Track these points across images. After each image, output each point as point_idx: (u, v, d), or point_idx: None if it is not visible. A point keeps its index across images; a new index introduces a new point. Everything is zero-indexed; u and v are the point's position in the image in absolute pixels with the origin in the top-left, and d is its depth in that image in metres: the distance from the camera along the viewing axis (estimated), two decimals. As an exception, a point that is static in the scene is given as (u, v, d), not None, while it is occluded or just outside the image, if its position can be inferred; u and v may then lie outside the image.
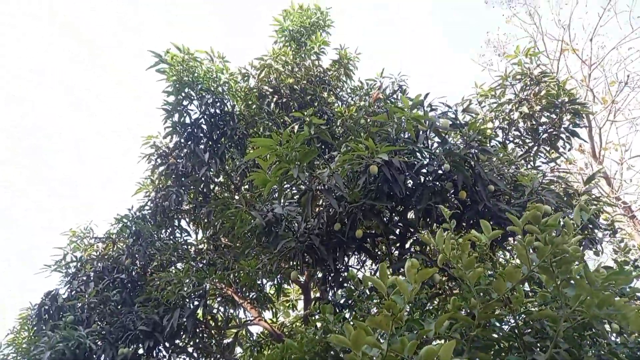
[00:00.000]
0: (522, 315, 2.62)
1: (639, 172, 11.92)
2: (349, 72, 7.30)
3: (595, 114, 11.66)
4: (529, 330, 2.66)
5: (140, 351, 4.71)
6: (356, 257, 5.30)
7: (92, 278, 5.61)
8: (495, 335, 2.43)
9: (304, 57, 6.72)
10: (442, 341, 2.24)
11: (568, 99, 5.49)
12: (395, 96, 6.60)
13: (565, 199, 4.85)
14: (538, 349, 2.51)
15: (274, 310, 6.93)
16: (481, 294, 2.35)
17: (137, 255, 5.35)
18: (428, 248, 4.49)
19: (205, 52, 5.77)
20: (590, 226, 4.73)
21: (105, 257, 5.85)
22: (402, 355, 1.91)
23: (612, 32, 12.33)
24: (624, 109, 12.33)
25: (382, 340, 1.99)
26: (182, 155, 5.82)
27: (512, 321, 2.58)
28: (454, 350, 2.62)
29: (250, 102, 6.15)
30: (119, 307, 5.15)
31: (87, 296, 5.13)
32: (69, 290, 5.61)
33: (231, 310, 6.74)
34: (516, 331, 2.57)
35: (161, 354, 5.04)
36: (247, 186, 5.79)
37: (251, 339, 6.45)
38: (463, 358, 2.32)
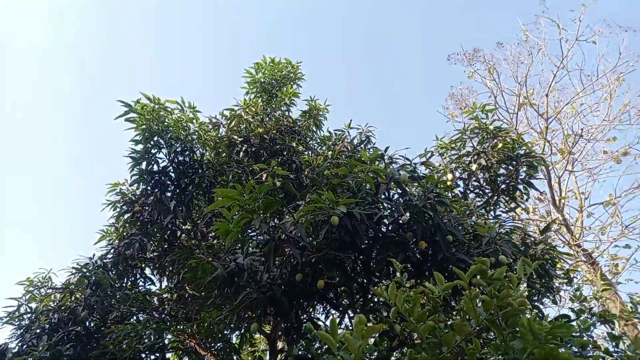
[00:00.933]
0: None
1: (598, 219, 12.42)
2: (318, 122, 7.54)
3: (554, 165, 12.25)
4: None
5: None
6: (322, 307, 5.28)
7: (46, 331, 5.35)
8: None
9: (274, 108, 6.93)
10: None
11: (523, 152, 5.80)
12: (362, 147, 6.82)
13: (522, 248, 5.03)
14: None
15: (240, 362, 6.72)
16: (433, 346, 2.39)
17: (94, 307, 5.16)
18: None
19: (175, 102, 5.88)
20: (546, 276, 4.89)
21: (62, 308, 5.61)
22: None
23: (567, 87, 13.22)
24: (581, 159, 13.03)
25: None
26: (148, 202, 5.78)
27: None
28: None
29: (220, 151, 6.24)
30: (73, 362, 4.90)
31: (39, 351, 4.87)
32: (20, 344, 5.32)
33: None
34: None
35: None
36: (213, 235, 5.75)
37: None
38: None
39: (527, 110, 12.61)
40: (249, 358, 8.20)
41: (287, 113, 6.98)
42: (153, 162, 5.72)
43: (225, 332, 5.17)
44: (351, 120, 7.02)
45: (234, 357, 6.46)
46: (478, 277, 2.38)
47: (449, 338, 2.23)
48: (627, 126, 11.94)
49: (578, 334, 3.71)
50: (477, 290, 2.23)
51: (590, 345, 3.72)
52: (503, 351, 2.51)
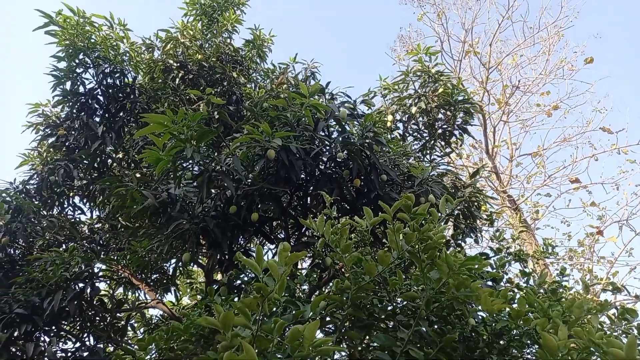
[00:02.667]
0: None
1: (525, 169, 13.29)
2: (262, 53, 7.23)
3: (490, 114, 12.75)
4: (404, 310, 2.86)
5: (17, 334, 4.35)
6: (257, 241, 5.34)
7: (-38, 257, 5.05)
8: (365, 316, 2.59)
9: (215, 34, 6.51)
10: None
11: (462, 98, 5.94)
12: (306, 83, 6.67)
13: (452, 190, 5.29)
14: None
15: (178, 292, 6.75)
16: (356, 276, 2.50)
17: (16, 233, 4.89)
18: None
19: (103, 17, 5.35)
20: (471, 217, 5.21)
21: (-20, 235, 5.27)
22: (271, 335, 1.98)
23: (510, 39, 13.51)
24: (516, 110, 13.65)
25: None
26: (74, 127, 5.39)
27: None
28: (328, 329, 2.77)
29: (154, 76, 5.85)
30: (-6, 289, 4.69)
31: (-46, 277, 4.61)
32: None
33: (129, 293, 6.46)
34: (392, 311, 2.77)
35: (43, 339, 4.70)
36: (147, 165, 5.52)
37: (149, 322, 6.25)
38: (332, 336, 2.47)
39: (471, 59, 12.84)
40: (188, 290, 8.30)
41: (228, 41, 6.60)
42: (79, 83, 5.27)
43: (158, 262, 5.12)
44: (297, 54, 6.80)
45: (171, 289, 6.49)
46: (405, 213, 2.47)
47: (371, 267, 2.32)
48: (560, 81, 12.54)
49: (494, 270, 4.01)
50: (401, 223, 2.31)
51: (504, 280, 4.07)
52: (422, 281, 2.66)
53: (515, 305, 2.54)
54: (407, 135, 6.26)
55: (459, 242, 5.40)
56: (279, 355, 2.06)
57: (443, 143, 6.48)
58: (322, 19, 25.72)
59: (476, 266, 2.46)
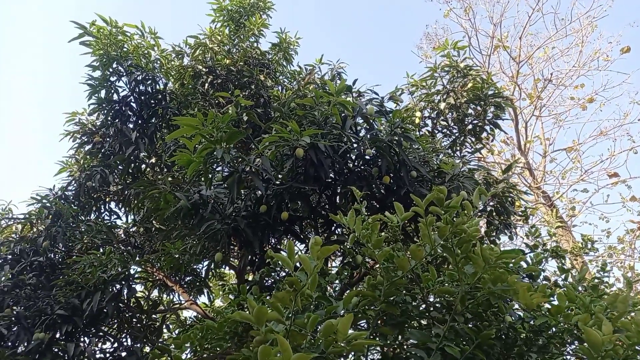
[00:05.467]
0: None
1: (559, 164, 12.88)
2: (288, 56, 7.27)
3: (522, 110, 12.42)
4: (438, 306, 2.81)
5: (58, 336, 4.51)
6: (287, 240, 5.36)
7: (7, 261, 5.28)
8: (398, 312, 2.56)
9: (242, 39, 6.61)
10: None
11: (492, 93, 5.81)
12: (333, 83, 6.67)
13: (484, 186, 5.17)
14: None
15: (211, 294, 6.87)
16: (389, 272, 2.47)
17: (56, 237, 5.08)
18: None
19: (135, 26, 5.51)
20: (505, 213, 5.08)
21: (23, 239, 5.51)
22: (305, 330, 1.98)
23: (541, 32, 13.13)
24: (549, 105, 13.25)
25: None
26: (109, 134, 5.57)
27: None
28: (361, 326, 2.74)
29: (184, 82, 5.98)
30: (36, 291, 4.89)
31: (0, 280, 4.82)
32: (-20, 274, 5.25)
33: (164, 295, 6.62)
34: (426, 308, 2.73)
35: (82, 340, 4.86)
36: (178, 168, 5.65)
37: (184, 323, 6.38)
38: (366, 331, 2.44)
39: (500, 55, 12.55)
40: (220, 292, 8.41)
41: (255, 45, 6.69)
42: (112, 91, 5.44)
43: (191, 264, 5.22)
44: (322, 55, 6.81)
45: (204, 291, 6.61)
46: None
47: (404, 262, 2.29)
48: (595, 72, 12.10)
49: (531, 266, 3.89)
50: (433, 217, 2.27)
51: (541, 278, 3.94)
52: (456, 278, 2.60)
53: (554, 302, 2.46)
54: (437, 132, 6.18)
55: (493, 238, 5.27)
56: (312, 351, 2.06)
57: (473, 139, 6.35)
58: (345, 19, 25.74)
59: (513, 260, 2.40)
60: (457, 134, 6.17)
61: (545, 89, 12.06)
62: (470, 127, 6.07)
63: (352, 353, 2.39)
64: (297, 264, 3.00)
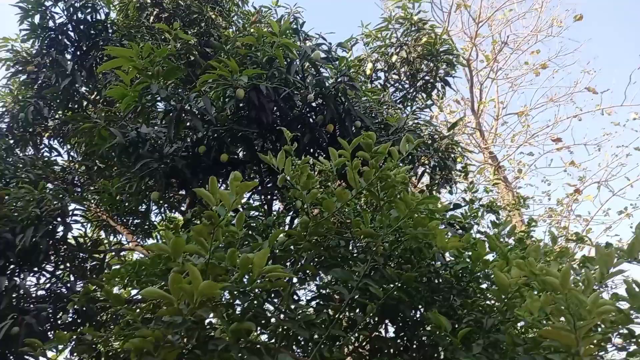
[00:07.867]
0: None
1: (510, 127, 13.33)
2: (244, -5, 6.95)
3: (478, 71, 12.61)
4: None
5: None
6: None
7: None
8: (328, 256, 2.66)
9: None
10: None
11: (445, 49, 5.83)
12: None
13: (429, 141, 5.30)
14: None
15: (160, 239, 6.78)
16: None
17: (-14, 170, 4.83)
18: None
19: (72, -54, 5.05)
20: (446, 169, 5.26)
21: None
22: (224, 263, 2.03)
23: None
24: (505, 69, 13.51)
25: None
26: (45, 63, 5.22)
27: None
28: (289, 263, 2.83)
29: (128, 13, 5.62)
30: (-36, 225, 4.68)
31: None
32: None
33: (111, 237, 6.47)
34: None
35: (17, 274, 4.75)
36: (118, 104, 5.41)
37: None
38: (294, 269, 2.54)
39: (462, 14, 12.51)
40: (170, 233, 8.34)
41: (208, -21, 6.31)
42: (48, 17, 5.04)
43: (131, 204, 5.12)
44: (280, -4, 6.54)
45: (153, 234, 6.52)
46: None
47: (329, 203, 2.35)
48: (550, 39, 12.36)
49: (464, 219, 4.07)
50: (359, 161, 2.33)
51: (476, 231, 4.15)
52: (383, 222, 2.69)
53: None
54: (389, 85, 6.19)
55: (433, 192, 5.48)
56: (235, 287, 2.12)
57: (424, 95, 6.42)
58: (314, -35, 24.62)
59: (430, 206, 2.51)
60: (408, 89, 6.21)
61: (501, 51, 12.25)
62: (421, 83, 6.11)
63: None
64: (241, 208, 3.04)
